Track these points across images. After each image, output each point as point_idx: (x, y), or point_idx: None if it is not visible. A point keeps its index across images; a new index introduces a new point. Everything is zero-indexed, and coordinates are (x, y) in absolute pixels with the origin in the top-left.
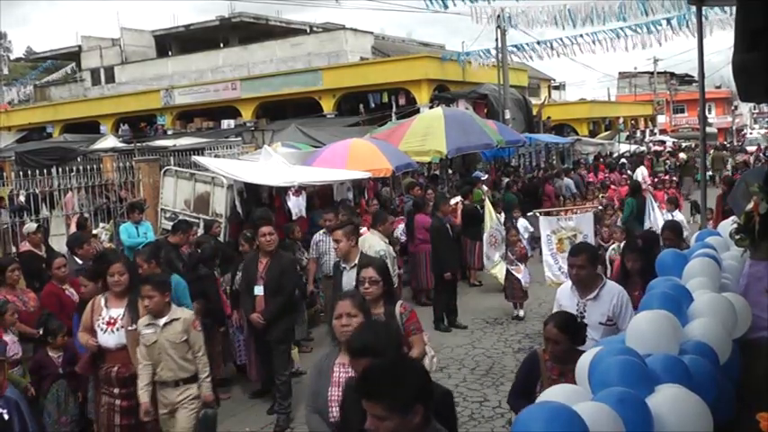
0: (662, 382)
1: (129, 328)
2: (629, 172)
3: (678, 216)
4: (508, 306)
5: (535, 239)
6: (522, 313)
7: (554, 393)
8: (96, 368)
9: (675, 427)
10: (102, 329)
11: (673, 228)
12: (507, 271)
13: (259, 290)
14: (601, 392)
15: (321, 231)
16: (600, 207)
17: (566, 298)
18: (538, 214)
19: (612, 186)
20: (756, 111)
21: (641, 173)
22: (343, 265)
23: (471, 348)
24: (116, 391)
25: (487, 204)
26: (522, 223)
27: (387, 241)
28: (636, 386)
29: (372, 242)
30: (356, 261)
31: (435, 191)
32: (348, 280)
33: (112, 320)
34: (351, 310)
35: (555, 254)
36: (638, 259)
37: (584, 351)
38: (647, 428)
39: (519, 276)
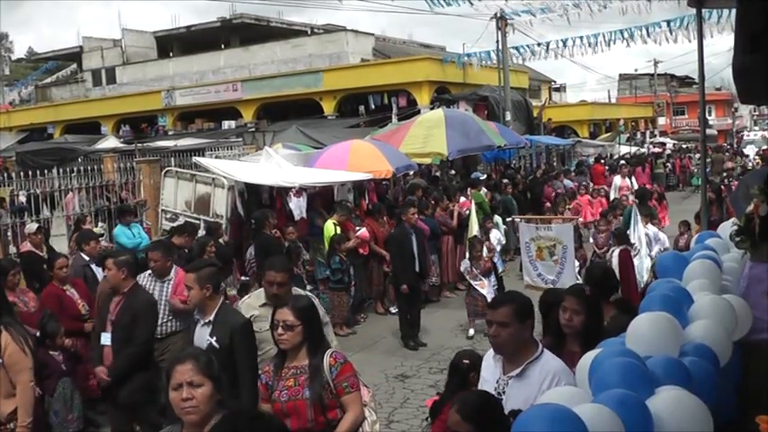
0: (662, 384)
1: None
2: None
3: (651, 229)
4: None
5: (506, 252)
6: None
7: (554, 395)
8: None
9: (676, 430)
10: None
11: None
12: (469, 286)
13: (106, 338)
14: (601, 394)
15: (147, 273)
16: (577, 218)
17: (487, 369)
18: (517, 220)
19: (581, 194)
20: (756, 113)
21: (617, 180)
22: (197, 317)
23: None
24: None
25: (473, 211)
26: (494, 235)
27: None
28: (636, 388)
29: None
30: (212, 317)
31: (445, 190)
32: (200, 337)
33: None
34: (194, 377)
35: (534, 260)
36: (580, 311)
37: None
38: (648, 431)
39: (483, 292)
